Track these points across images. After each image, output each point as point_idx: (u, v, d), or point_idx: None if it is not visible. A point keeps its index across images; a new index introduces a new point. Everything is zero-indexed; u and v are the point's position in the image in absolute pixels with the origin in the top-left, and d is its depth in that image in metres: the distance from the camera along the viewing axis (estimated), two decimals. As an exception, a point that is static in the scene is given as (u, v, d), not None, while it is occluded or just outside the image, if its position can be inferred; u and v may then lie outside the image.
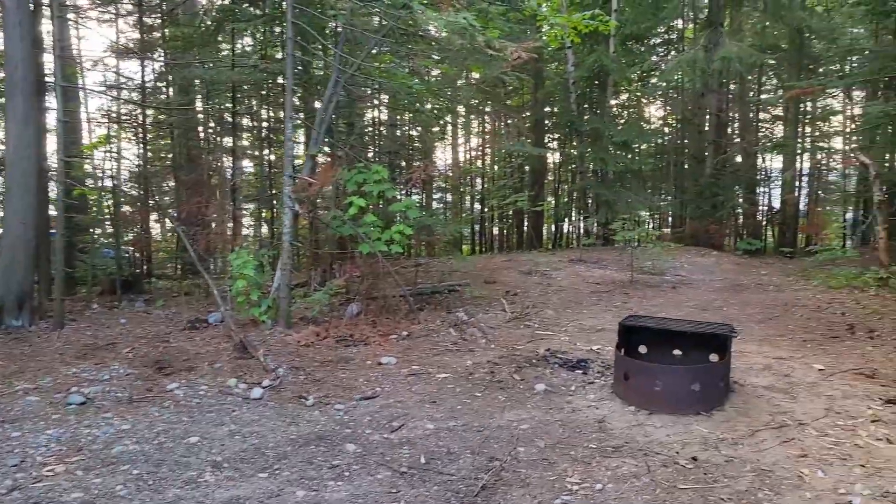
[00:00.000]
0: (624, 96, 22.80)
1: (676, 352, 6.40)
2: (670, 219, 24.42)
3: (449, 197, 28.00)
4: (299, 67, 11.95)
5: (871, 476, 4.31)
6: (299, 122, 9.89)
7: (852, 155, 11.44)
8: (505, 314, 9.07)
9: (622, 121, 20.74)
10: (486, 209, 22.41)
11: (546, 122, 22.45)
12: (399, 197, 10.51)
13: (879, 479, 4.26)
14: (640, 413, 5.51)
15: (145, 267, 15.28)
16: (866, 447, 4.77)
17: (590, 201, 19.28)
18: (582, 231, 18.99)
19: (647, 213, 22.87)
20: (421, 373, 6.63)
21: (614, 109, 20.80)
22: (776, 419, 5.31)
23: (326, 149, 11.27)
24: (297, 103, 15.39)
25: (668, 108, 24.88)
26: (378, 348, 7.48)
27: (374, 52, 9.93)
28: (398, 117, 22.98)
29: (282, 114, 14.26)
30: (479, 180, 25.80)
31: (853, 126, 19.70)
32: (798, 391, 5.96)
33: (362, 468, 4.52)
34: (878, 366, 6.77)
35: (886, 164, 16.34)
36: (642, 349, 6.47)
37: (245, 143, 18.28)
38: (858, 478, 4.29)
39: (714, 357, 6.15)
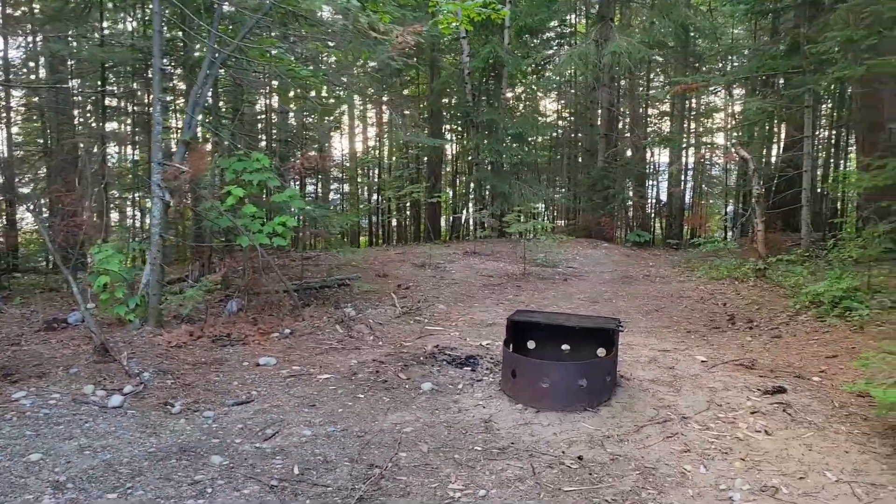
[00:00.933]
0: (520, 89, 22.93)
1: (565, 347, 6.31)
2: (566, 211, 24.88)
3: (346, 188, 27.46)
4: (180, 46, 11.24)
5: (751, 470, 4.31)
6: (170, 104, 9.18)
7: (732, 150, 11.82)
8: (395, 309, 8.77)
9: (518, 113, 20.81)
10: (383, 200, 22.02)
11: (444, 112, 22.29)
12: (288, 187, 9.98)
13: (758, 473, 4.25)
14: (527, 411, 5.35)
15: (10, 261, 14.00)
16: (746, 440, 4.79)
17: (486, 193, 19.25)
18: (477, 223, 18.94)
19: (543, 206, 23.17)
20: (302, 374, 6.24)
21: (510, 101, 20.85)
22: (661, 413, 5.28)
23: (214, 135, 10.62)
24: (181, 86, 14.59)
25: (562, 101, 25.28)
26: (257, 348, 7.01)
27: (255, 32, 9.35)
28: (292, 105, 22.33)
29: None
30: (376, 171, 25.40)
31: (733, 122, 20.57)
32: (682, 384, 5.98)
33: (228, 483, 4.12)
34: (757, 356, 6.93)
35: (764, 159, 17.13)
36: (531, 344, 6.34)
37: (125, 127, 17.13)
38: (738, 472, 4.28)
39: (601, 351, 6.10)
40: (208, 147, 9.96)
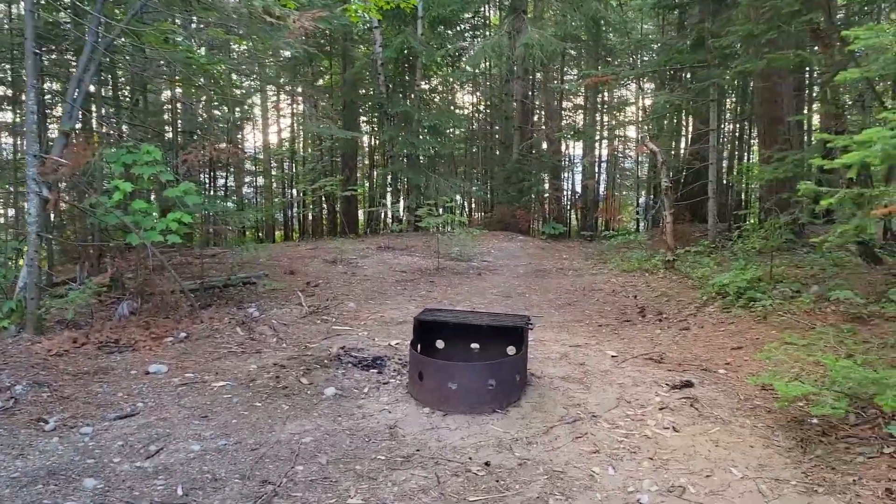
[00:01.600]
0: (436, 81, 22.72)
1: (474, 345, 6.12)
2: (483, 204, 24.88)
3: (261, 181, 26.61)
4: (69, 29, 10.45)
5: (659, 469, 4.22)
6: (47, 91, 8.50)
7: (642, 143, 11.95)
8: (301, 308, 8.39)
9: (434, 105, 20.59)
10: (299, 194, 21.40)
11: (359, 104, 21.84)
12: (184, 182, 9.40)
13: (666, 473, 4.16)
14: (434, 415, 5.13)
15: None
16: (654, 437, 4.71)
17: (402, 186, 18.97)
18: (392, 217, 18.65)
19: (461, 199, 23.07)
20: (195, 381, 5.81)
21: (426, 94, 20.60)
22: (570, 412, 5.16)
23: (108, 126, 9.92)
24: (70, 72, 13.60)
25: (478, 94, 25.24)
26: (148, 354, 6.52)
27: (153, 16, 8.77)
28: (197, 95, 21.41)
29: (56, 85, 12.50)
30: (291, 164, 24.69)
31: (644, 115, 20.98)
32: (592, 380, 5.89)
33: (99, 510, 3.73)
34: (666, 349, 6.94)
35: (672, 152, 17.51)
36: (440, 344, 6.13)
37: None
38: (647, 472, 4.18)
39: (512, 349, 5.94)
40: (96, 138, 9.27)
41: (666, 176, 11.07)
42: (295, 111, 24.74)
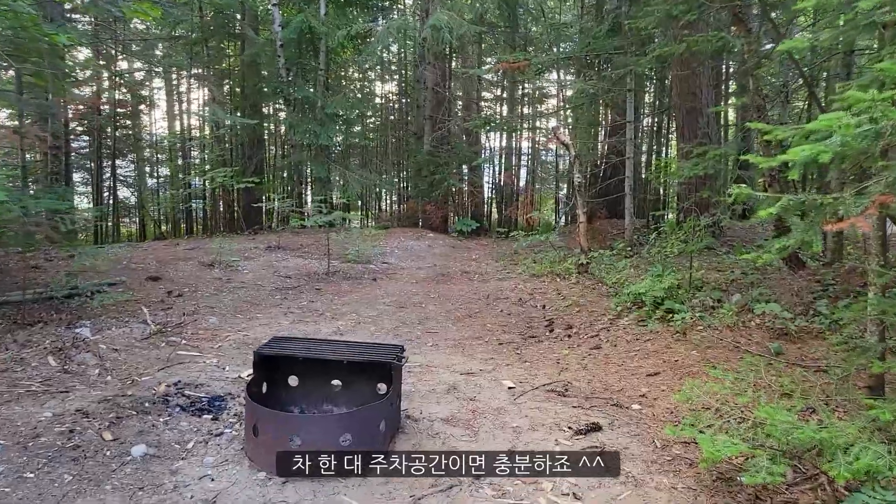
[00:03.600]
0: (349, 67, 21.35)
1: (336, 382, 4.93)
2: (399, 198, 23.61)
3: (166, 171, 24.53)
4: None
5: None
6: None
7: (553, 134, 10.98)
8: (147, 327, 6.98)
9: (341, 92, 19.20)
10: (190, 186, 19.64)
11: (262, 89, 20.20)
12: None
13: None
14: (271, 483, 3.93)
15: None
16: (549, 515, 3.64)
17: (306, 179, 17.53)
18: (288, 213, 17.18)
19: (380, 192, 21.78)
20: (-46, 440, 4.40)
21: (332, 79, 19.20)
22: (449, 473, 4.03)
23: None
24: None
25: (391, 81, 24.00)
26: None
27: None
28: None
29: None
30: (190, 153, 22.73)
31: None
32: (482, 423, 4.80)
33: None
34: (572, 375, 5.92)
35: (590, 146, 16.70)
36: (293, 381, 4.91)
37: None
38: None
39: (382, 387, 4.78)
40: None
41: (579, 171, 10.12)
42: (191, 97, 22.95)
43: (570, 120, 18.32)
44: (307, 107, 17.73)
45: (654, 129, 19.83)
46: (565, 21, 20.23)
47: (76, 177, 22.11)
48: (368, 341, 6.12)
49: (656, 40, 12.06)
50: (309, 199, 17.03)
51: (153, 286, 9.03)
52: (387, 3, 18.62)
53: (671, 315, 7.39)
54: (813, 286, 8.10)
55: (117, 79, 22.62)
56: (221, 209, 20.13)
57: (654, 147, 20.34)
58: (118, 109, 22.10)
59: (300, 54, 18.15)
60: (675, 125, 15.34)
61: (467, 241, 15.75)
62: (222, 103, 21.21)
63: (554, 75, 19.92)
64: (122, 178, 23.52)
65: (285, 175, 20.57)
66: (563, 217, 21.40)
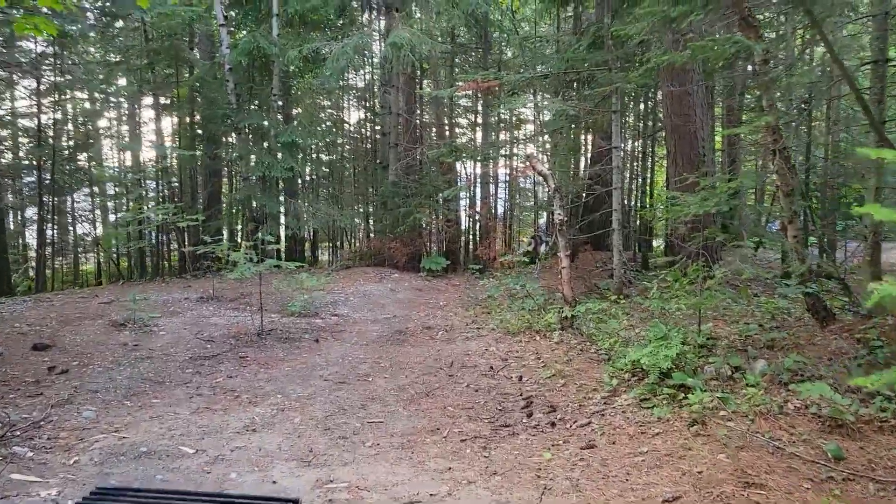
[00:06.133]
0: (306, 96, 19.74)
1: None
2: (366, 233, 21.89)
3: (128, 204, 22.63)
4: None
5: None
6: None
7: (528, 163, 9.41)
8: (-13, 431, 5.22)
9: (295, 119, 17.59)
10: (125, 224, 17.69)
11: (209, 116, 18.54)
12: None
13: None
14: None
15: None
16: None
17: (256, 214, 15.78)
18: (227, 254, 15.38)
19: (341, 227, 20.06)
20: None
21: (297, 106, 17.63)
22: None
23: None
24: None
25: (357, 105, 22.49)
26: None
27: None
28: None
29: None
30: (153, 185, 20.88)
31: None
32: None
33: None
34: (559, 501, 4.24)
35: (571, 173, 15.20)
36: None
37: None
38: None
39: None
40: None
41: (560, 206, 8.51)
42: (142, 127, 21.21)
43: (547, 146, 16.91)
44: (258, 136, 16.13)
45: (640, 153, 18.38)
46: (541, 34, 18.85)
47: (29, 212, 20.45)
48: (251, 493, 4.38)
49: (645, 52, 10.63)
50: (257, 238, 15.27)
51: (35, 359, 7.24)
52: (345, 23, 17.12)
53: (683, 394, 5.75)
54: (853, 347, 6.52)
55: (64, 110, 21.03)
56: (168, 249, 18.35)
57: (639, 173, 18.89)
58: (66, 142, 20.52)
59: (251, 79, 16.56)
60: (665, 149, 13.88)
61: (437, 282, 14.09)
62: (175, 133, 19.62)
63: (530, 97, 18.57)
64: (80, 213, 21.82)
65: (230, 211, 18.82)
66: (543, 246, 19.88)
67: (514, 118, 22.78)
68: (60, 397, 6.03)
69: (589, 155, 17.50)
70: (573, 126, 12.95)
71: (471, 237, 20.67)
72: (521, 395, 6.34)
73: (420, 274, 14.76)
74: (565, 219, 8.61)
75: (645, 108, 17.53)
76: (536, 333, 8.41)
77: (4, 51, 18.05)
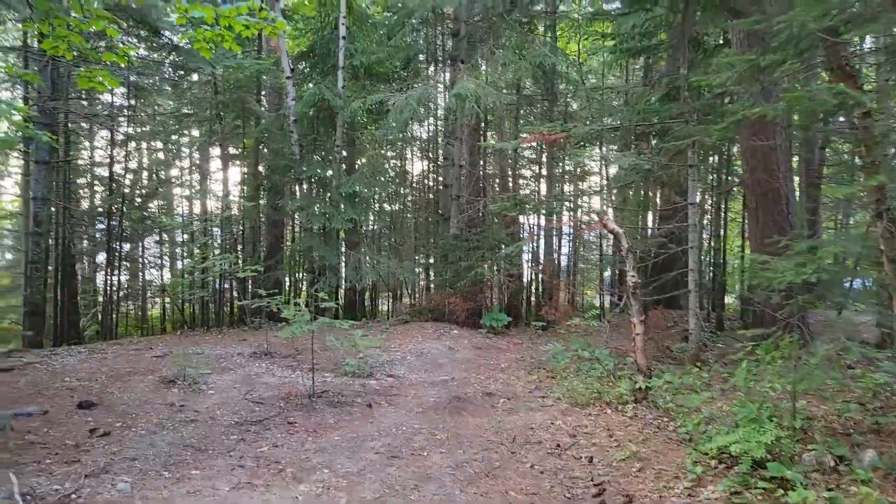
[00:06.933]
0: (368, 145, 19.70)
1: None
2: (426, 287, 21.49)
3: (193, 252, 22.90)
4: None
5: None
6: None
7: (599, 220, 8.84)
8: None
9: (358, 169, 17.47)
10: (190, 273, 17.76)
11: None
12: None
13: None
14: None
15: None
16: None
17: (316, 266, 15.58)
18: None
19: (400, 279, 19.72)
20: None
21: (348, 155, 17.56)
22: None
23: None
24: None
25: (421, 156, 22.37)
26: None
27: None
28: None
29: None
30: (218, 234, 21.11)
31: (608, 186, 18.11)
32: None
33: None
34: None
35: (639, 229, 14.51)
36: None
37: None
38: None
39: None
40: None
41: (632, 268, 7.89)
42: (211, 176, 21.56)
43: (613, 199, 16.29)
44: (321, 186, 16.06)
45: (712, 208, 17.54)
46: (608, 85, 18.39)
47: (100, 258, 20.91)
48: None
49: (725, 103, 10.04)
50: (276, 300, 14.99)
51: (79, 419, 6.97)
52: (410, 74, 17.08)
53: (783, 489, 5.01)
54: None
55: (137, 159, 21.66)
56: (231, 297, 18.33)
57: (712, 229, 18.00)
58: (138, 190, 21.06)
59: (316, 130, 16.58)
60: (744, 206, 13.10)
61: (498, 339, 13.49)
62: (240, 182, 19.85)
63: (596, 150, 18.02)
64: (148, 259, 22.22)
65: (290, 262, 18.72)
66: (607, 314, 19.11)
67: (578, 170, 22.27)
68: (97, 465, 5.68)
69: (658, 210, 16.78)
70: (645, 180, 12.36)
71: (533, 291, 20.04)
72: (591, 480, 5.68)
73: (480, 330, 14.18)
74: (639, 281, 7.97)
75: (718, 162, 16.76)
76: (607, 405, 7.72)
77: (86, 104, 18.78)
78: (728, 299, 19.48)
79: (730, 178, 16.49)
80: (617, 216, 11.07)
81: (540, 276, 18.86)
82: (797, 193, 14.31)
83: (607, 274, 22.53)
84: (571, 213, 20.12)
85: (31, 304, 13.46)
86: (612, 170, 21.15)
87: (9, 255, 24.36)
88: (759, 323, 10.82)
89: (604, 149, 17.55)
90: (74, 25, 7.49)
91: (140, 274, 21.75)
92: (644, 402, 7.61)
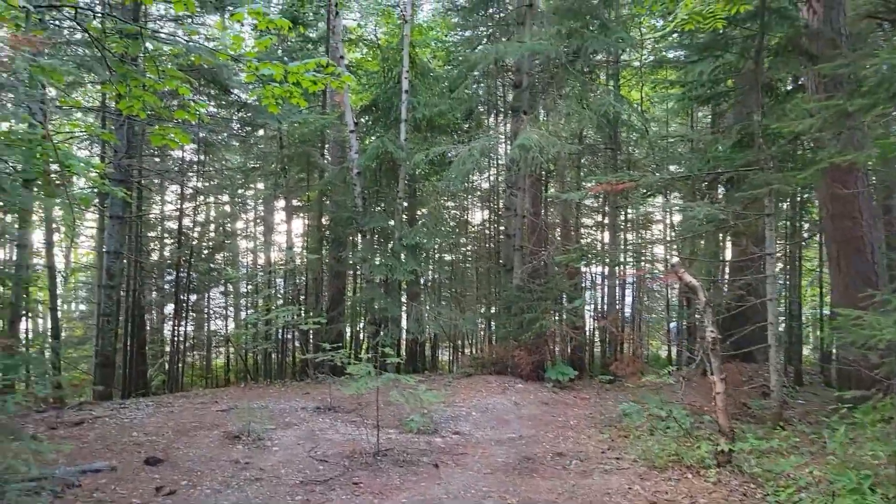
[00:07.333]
0: (428, 196, 19.79)
1: None
2: (488, 339, 21.20)
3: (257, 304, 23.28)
4: None
5: None
6: None
7: (673, 271, 8.49)
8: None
9: (420, 220, 17.51)
10: (264, 323, 17.94)
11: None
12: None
13: None
14: None
15: None
16: None
17: (378, 317, 15.50)
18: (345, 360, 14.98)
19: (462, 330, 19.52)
20: None
21: (408, 207, 17.64)
22: None
23: None
24: None
25: (481, 206, 22.34)
26: None
27: None
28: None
29: None
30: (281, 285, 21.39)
31: (673, 234, 17.64)
32: None
33: None
34: None
35: (712, 280, 14.01)
36: None
37: None
38: None
39: None
40: None
41: (711, 323, 7.51)
42: (275, 228, 21.96)
43: (679, 248, 15.81)
44: (383, 238, 16.11)
45: (786, 257, 16.84)
46: (678, 133, 18.09)
47: (168, 309, 21.37)
48: None
49: (804, 150, 9.66)
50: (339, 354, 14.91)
51: (146, 475, 6.92)
52: (472, 126, 17.17)
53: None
54: None
55: (204, 213, 22.26)
56: (293, 348, 18.42)
57: (787, 279, 17.27)
58: (204, 243, 21.58)
59: (378, 182, 16.73)
60: (826, 255, 12.51)
61: (564, 394, 13.07)
62: (304, 234, 20.17)
63: (659, 198, 17.62)
64: (213, 310, 22.64)
65: (352, 314, 18.73)
66: (675, 352, 18.43)
67: (641, 219, 21.86)
68: (163, 526, 5.58)
69: (730, 261, 16.21)
70: (718, 230, 11.96)
71: (597, 342, 19.53)
72: (677, 556, 5.27)
73: (545, 384, 13.78)
74: (719, 336, 7.56)
75: (791, 209, 16.15)
76: (687, 469, 7.26)
77: (158, 160, 19.50)
78: (804, 351, 18.58)
79: (805, 225, 15.85)
80: (686, 267, 10.65)
81: (604, 327, 18.36)
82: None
83: (673, 325, 21.82)
84: (636, 264, 19.66)
85: (103, 355, 13.72)
86: (676, 218, 20.68)
87: (83, 307, 25.13)
88: (846, 380, 10.23)
89: (668, 197, 17.17)
90: (149, 86, 7.73)
91: (206, 324, 22.09)
92: (728, 466, 7.13)
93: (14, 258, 13.02)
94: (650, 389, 11.51)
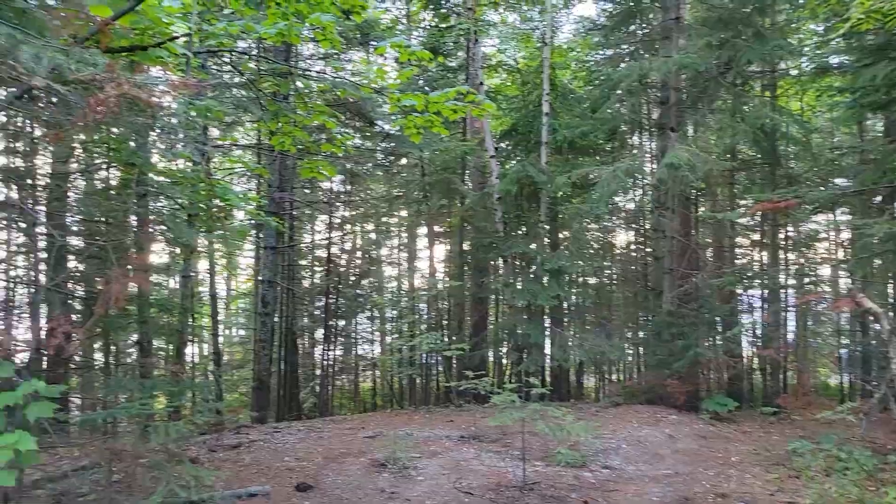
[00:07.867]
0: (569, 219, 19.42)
1: None
2: (637, 366, 20.33)
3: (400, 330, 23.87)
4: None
5: None
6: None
7: (851, 297, 7.66)
8: None
9: (562, 244, 17.16)
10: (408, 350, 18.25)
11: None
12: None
13: None
14: None
15: None
16: None
17: (520, 343, 15.28)
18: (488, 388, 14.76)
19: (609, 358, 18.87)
20: None
21: (550, 231, 17.33)
22: None
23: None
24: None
25: (623, 227, 21.61)
26: None
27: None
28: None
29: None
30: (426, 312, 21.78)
31: (843, 253, 16.15)
32: None
33: None
34: None
35: (891, 301, 12.64)
36: None
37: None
38: None
39: None
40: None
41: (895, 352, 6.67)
42: (417, 255, 22.40)
43: (852, 269, 14.38)
44: (525, 263, 15.91)
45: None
46: (839, 143, 16.66)
47: (318, 334, 22.36)
48: None
49: None
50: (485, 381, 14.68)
51: (297, 501, 7.07)
52: (615, 146, 16.71)
53: None
54: None
55: (350, 241, 23.16)
56: (437, 375, 18.59)
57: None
58: (351, 270, 22.45)
59: (519, 206, 16.58)
60: None
61: (722, 427, 12.18)
62: (446, 260, 20.46)
63: (822, 215, 16.20)
64: (361, 335, 23.49)
65: (494, 340, 18.57)
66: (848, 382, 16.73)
67: (804, 238, 20.19)
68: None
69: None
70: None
71: (756, 370, 18.18)
72: None
73: (701, 416, 12.91)
74: (908, 369, 6.71)
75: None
76: (875, 518, 6.45)
77: (308, 191, 20.54)
78: None
79: None
80: (865, 292, 9.63)
81: (764, 356, 17.03)
82: None
83: (844, 351, 19.91)
84: (800, 287, 18.15)
85: (259, 379, 14.45)
86: (844, 235, 18.91)
87: (241, 332, 26.77)
88: None
89: (836, 213, 15.76)
90: (299, 122, 8.08)
91: (353, 349, 22.83)
92: (925, 518, 6.26)
93: (180, 287, 14.08)
94: (821, 423, 10.48)
